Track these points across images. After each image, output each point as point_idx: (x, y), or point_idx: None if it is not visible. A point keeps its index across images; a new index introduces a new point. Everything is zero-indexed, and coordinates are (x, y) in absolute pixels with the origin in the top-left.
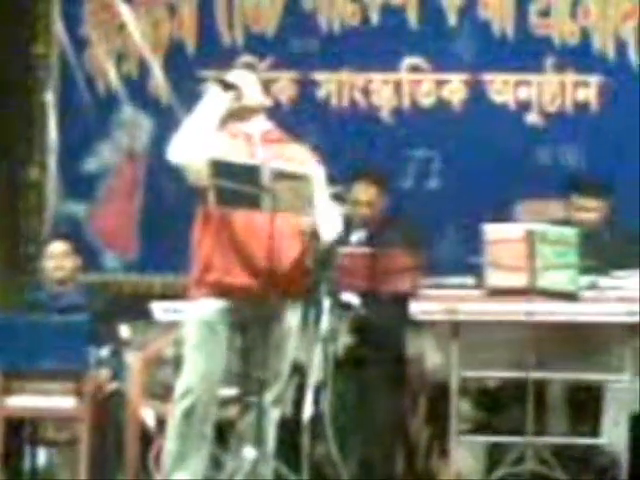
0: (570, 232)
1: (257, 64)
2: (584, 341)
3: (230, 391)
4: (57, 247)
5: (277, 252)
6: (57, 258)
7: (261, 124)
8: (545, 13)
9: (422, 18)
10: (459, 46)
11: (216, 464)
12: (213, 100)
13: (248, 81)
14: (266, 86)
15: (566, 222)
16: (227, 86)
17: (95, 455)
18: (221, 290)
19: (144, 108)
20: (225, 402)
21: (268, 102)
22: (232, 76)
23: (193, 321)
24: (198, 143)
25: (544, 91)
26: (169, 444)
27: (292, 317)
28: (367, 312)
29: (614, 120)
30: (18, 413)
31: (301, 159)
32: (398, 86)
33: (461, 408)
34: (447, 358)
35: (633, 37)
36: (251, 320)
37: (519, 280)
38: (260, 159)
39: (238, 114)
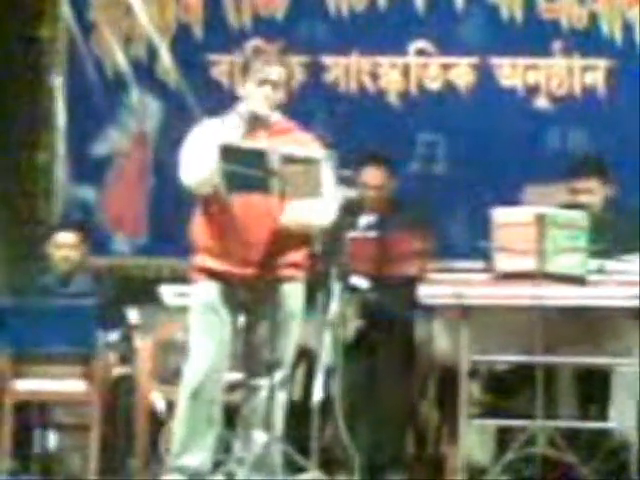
0: (580, 215)
1: (265, 48)
2: (593, 325)
3: (235, 375)
4: (65, 237)
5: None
6: (64, 249)
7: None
8: None
9: (430, 2)
10: (467, 30)
11: (226, 448)
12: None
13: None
14: None
15: (569, 206)
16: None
17: (105, 439)
18: (218, 277)
19: (152, 91)
20: (231, 386)
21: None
22: (272, 72)
23: (197, 305)
24: (210, 166)
25: (552, 75)
26: (177, 428)
27: (294, 301)
28: (376, 296)
29: (622, 104)
30: (27, 397)
31: (307, 144)
32: (406, 70)
33: (470, 391)
34: (456, 342)
35: None
36: (252, 303)
37: (528, 264)
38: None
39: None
